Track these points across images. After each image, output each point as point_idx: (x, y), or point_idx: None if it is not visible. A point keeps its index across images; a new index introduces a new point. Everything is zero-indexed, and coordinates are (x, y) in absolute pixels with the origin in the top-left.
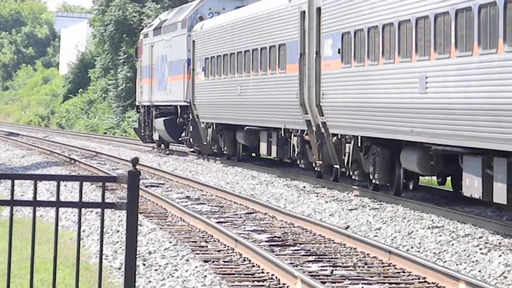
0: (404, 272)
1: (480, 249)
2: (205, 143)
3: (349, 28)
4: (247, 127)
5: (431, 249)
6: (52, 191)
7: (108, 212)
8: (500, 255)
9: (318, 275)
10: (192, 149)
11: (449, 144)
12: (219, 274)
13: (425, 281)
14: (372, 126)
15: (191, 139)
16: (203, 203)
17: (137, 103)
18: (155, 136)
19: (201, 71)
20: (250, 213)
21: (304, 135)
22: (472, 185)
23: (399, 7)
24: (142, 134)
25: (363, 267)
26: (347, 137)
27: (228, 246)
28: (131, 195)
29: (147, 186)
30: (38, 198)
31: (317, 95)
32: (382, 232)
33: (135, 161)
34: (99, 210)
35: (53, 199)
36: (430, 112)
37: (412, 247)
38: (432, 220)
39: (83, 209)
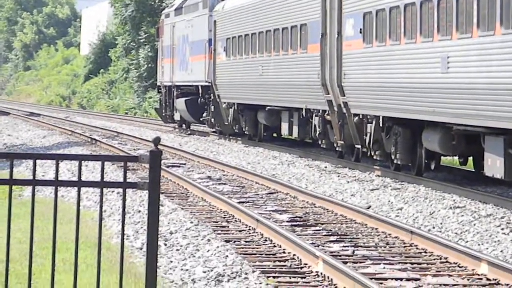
0: (425, 252)
1: (502, 229)
2: (226, 123)
3: (370, 8)
4: (269, 107)
5: (452, 229)
6: (74, 171)
7: (130, 192)
8: None
9: (340, 255)
10: (214, 129)
11: (471, 124)
12: (240, 254)
13: (446, 261)
14: (394, 106)
15: (212, 119)
16: (224, 183)
17: (158, 83)
18: (176, 116)
19: (222, 51)
20: (272, 193)
21: (325, 115)
22: (494, 165)
23: None
24: (164, 114)
25: (385, 247)
26: (368, 117)
27: (249, 226)
28: (152, 175)
29: (168, 166)
30: (59, 178)
31: (338, 75)
32: (403, 212)
33: (156, 141)
34: (120, 190)
35: (75, 179)
36: (452, 92)
37: (433, 227)
38: (454, 200)
39: (104, 189)
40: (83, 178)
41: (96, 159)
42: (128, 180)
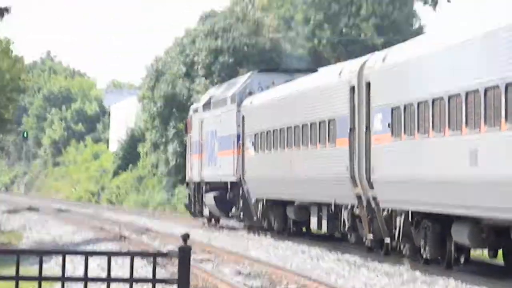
0: None
1: None
2: (255, 218)
3: (398, 103)
4: (298, 202)
5: None
6: (103, 267)
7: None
8: None
9: None
10: (243, 224)
11: (501, 217)
12: None
13: None
14: (423, 200)
15: (241, 214)
16: (253, 279)
17: (187, 179)
18: (205, 212)
19: (251, 146)
20: None
21: (354, 209)
22: None
23: (449, 81)
24: (193, 209)
25: None
26: (397, 211)
27: None
28: (182, 271)
29: (197, 262)
30: (89, 274)
31: (367, 169)
32: None
33: (185, 237)
34: (150, 285)
35: (104, 275)
36: (480, 185)
37: None
38: None
39: (134, 285)
40: (112, 274)
41: (125, 255)
42: (157, 276)
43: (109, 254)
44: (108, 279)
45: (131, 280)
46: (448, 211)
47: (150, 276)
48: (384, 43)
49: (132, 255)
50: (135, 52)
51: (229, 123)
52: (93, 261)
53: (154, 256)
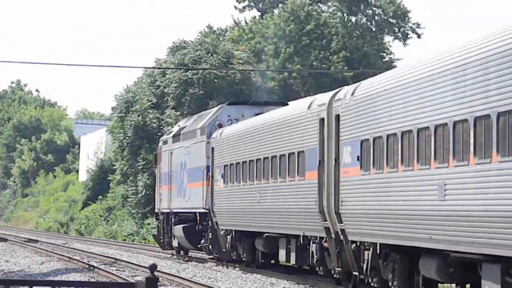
0: None
1: None
2: (224, 249)
3: (368, 136)
4: (266, 234)
5: None
6: None
7: None
8: None
9: None
10: (211, 256)
11: (468, 252)
12: None
13: None
14: (391, 233)
15: (210, 246)
16: None
17: (156, 210)
18: (174, 243)
19: (220, 178)
20: None
21: (323, 242)
22: None
23: (418, 114)
24: (162, 241)
25: None
26: (366, 244)
27: None
28: None
29: None
30: None
31: (336, 202)
32: None
33: (153, 268)
34: None
35: None
36: (449, 219)
37: None
38: None
39: None
40: None
41: (93, 286)
42: None
43: (77, 285)
44: None
45: None
46: (416, 244)
47: None
48: (354, 77)
49: (99, 286)
50: (105, 82)
51: (198, 154)
52: None
53: (121, 286)
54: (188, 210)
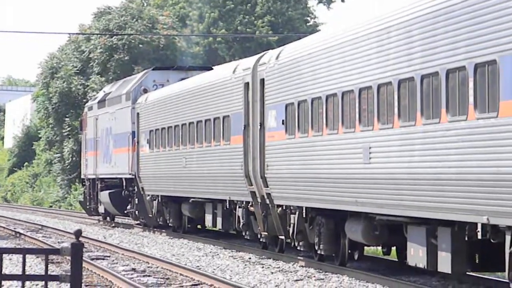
0: None
1: None
2: (150, 215)
3: (292, 99)
4: (192, 199)
5: None
6: None
7: (54, 285)
8: None
9: None
10: (138, 222)
11: (393, 214)
12: None
13: None
14: (317, 197)
15: (136, 212)
16: (149, 275)
17: (82, 176)
18: (101, 209)
19: (145, 143)
20: (196, 284)
21: (249, 206)
22: (417, 255)
23: (342, 78)
24: (88, 207)
25: None
26: (291, 208)
27: None
28: (74, 268)
29: (92, 259)
30: None
31: (261, 167)
32: None
33: (78, 234)
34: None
35: None
36: (374, 182)
37: None
38: None
39: (27, 282)
40: (6, 272)
41: (17, 252)
42: (51, 273)
43: (1, 251)
44: (0, 277)
45: (23, 277)
46: (341, 207)
47: (44, 273)
48: (279, 41)
49: (24, 252)
50: (30, 49)
51: (124, 120)
52: None
53: (46, 252)
54: (114, 176)
